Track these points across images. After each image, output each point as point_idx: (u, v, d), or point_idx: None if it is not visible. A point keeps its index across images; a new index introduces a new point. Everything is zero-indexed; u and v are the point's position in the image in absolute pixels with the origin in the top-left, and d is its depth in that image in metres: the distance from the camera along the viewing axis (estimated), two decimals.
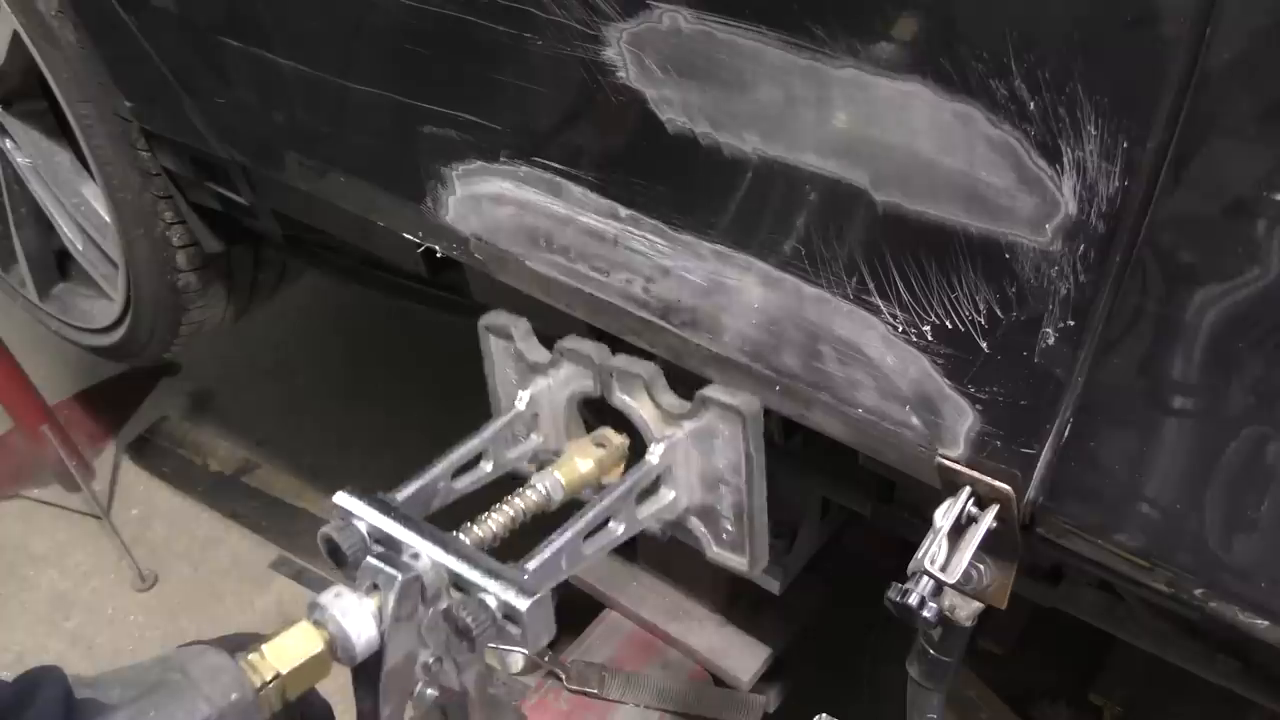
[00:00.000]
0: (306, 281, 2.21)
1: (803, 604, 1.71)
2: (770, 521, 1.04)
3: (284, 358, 2.87)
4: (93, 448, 2.62)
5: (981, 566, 0.94)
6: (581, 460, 1.03)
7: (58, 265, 2.10)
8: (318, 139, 1.29)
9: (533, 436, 1.09)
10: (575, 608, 1.79)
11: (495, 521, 0.95)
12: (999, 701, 1.70)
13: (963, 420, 0.86)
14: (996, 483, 0.86)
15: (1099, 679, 1.64)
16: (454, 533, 0.92)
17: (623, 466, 1.08)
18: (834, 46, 0.77)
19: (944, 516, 0.89)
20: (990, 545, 0.90)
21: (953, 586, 0.89)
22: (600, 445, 1.05)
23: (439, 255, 1.22)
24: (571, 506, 1.00)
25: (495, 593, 0.83)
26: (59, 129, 1.94)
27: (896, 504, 1.24)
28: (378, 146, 1.22)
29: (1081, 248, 0.73)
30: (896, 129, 0.77)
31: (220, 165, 1.49)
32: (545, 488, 0.99)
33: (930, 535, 0.89)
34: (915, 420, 0.89)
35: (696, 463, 1.00)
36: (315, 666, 0.82)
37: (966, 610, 0.97)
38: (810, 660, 1.77)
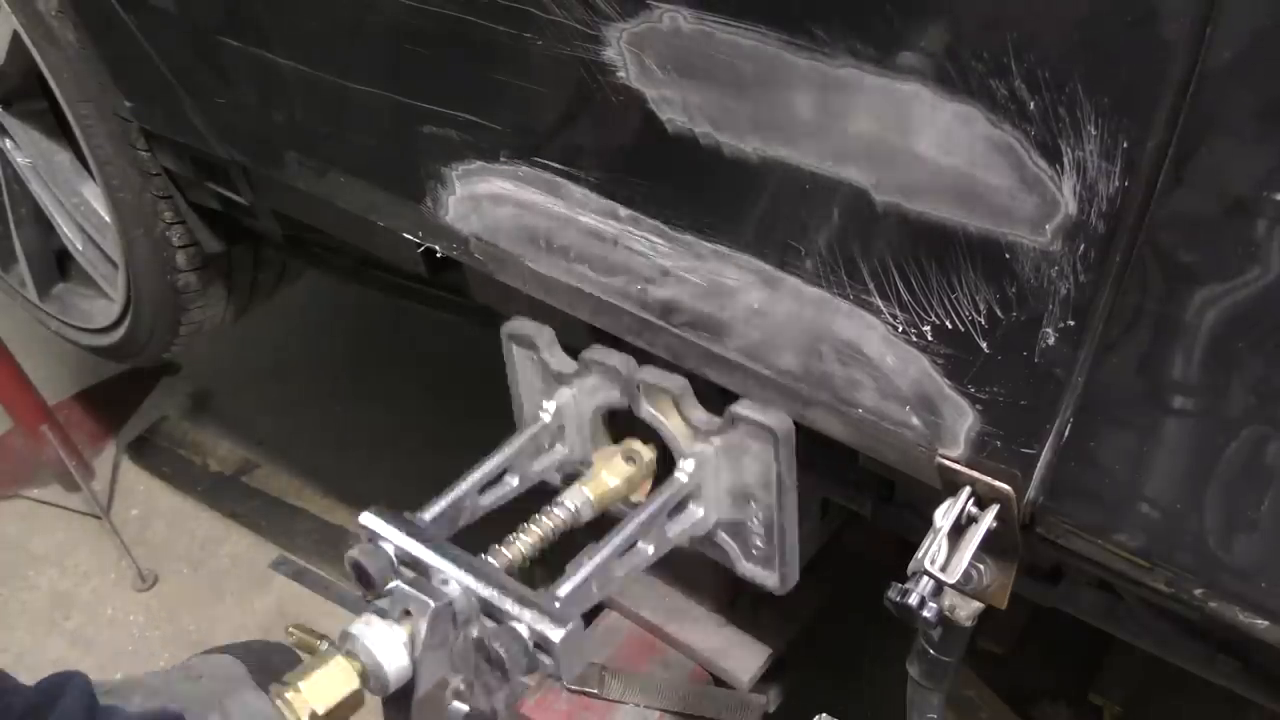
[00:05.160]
0: (306, 281, 2.21)
1: (803, 604, 1.71)
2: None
3: (284, 358, 2.87)
4: (93, 448, 2.61)
5: (981, 566, 0.94)
6: (609, 475, 1.00)
7: (58, 265, 2.09)
8: (317, 139, 1.29)
9: (558, 448, 1.07)
10: None
11: (524, 543, 0.93)
12: (999, 701, 1.70)
13: (963, 420, 0.86)
14: (996, 483, 0.86)
15: (1099, 679, 1.64)
16: (482, 555, 0.90)
17: (651, 480, 1.05)
18: (834, 47, 0.77)
19: (944, 516, 0.89)
20: (990, 545, 0.90)
21: (953, 586, 0.89)
22: (629, 460, 1.02)
23: (439, 255, 1.22)
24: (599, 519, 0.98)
25: (528, 622, 0.82)
26: (59, 129, 1.93)
27: (896, 504, 1.24)
28: (377, 146, 1.22)
29: (1081, 248, 0.73)
30: (897, 129, 0.77)
31: (220, 165, 1.48)
32: (574, 505, 0.97)
33: (930, 535, 0.89)
34: (915, 420, 0.89)
35: (726, 478, 0.98)
36: (351, 702, 0.82)
37: (966, 610, 0.97)
38: (810, 660, 1.77)
